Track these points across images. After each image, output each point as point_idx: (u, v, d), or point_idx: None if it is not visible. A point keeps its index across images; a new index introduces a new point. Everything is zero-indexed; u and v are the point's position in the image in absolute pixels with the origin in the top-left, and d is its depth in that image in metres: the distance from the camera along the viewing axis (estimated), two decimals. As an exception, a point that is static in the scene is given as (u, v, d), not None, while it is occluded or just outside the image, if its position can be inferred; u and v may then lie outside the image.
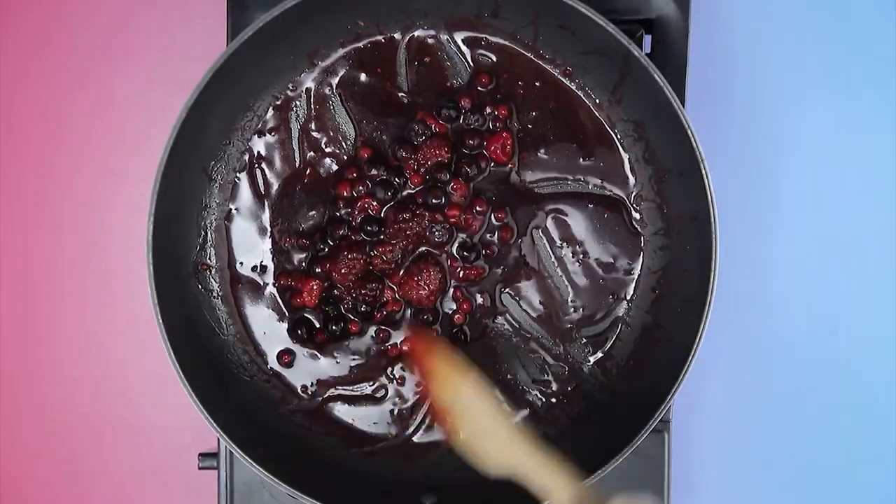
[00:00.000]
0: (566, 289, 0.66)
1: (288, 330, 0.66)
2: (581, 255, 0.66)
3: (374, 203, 0.65)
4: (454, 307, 0.66)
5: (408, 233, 0.64)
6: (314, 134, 0.66)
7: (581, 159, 0.65)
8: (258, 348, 0.66)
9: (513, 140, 0.65)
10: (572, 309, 0.66)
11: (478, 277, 0.66)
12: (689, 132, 0.57)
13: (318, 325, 0.66)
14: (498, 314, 0.66)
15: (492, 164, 0.65)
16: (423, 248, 0.66)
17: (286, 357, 0.66)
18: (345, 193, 0.65)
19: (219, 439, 0.64)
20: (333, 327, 0.65)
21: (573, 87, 0.65)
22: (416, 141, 0.65)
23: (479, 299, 0.66)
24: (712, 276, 0.58)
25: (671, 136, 0.59)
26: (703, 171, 0.58)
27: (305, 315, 0.66)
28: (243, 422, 0.63)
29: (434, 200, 0.64)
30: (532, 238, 0.66)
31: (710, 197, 0.58)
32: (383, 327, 0.66)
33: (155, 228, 0.58)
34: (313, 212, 0.66)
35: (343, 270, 0.64)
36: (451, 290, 0.66)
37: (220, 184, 0.65)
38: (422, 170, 0.65)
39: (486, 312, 0.66)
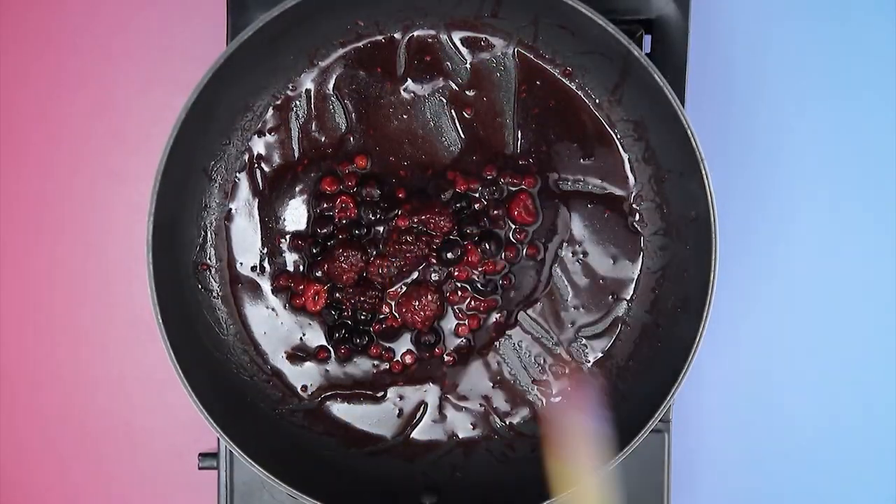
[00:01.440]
0: (566, 289, 0.66)
1: (327, 331, 0.66)
2: (581, 255, 0.66)
3: (352, 205, 0.64)
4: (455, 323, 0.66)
5: (407, 255, 0.64)
6: (314, 134, 0.66)
7: (581, 159, 0.65)
8: (258, 348, 0.66)
9: (532, 198, 0.65)
10: (572, 309, 0.66)
11: (487, 309, 0.66)
12: (689, 132, 0.57)
13: (339, 337, 0.65)
14: (508, 327, 0.66)
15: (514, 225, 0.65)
16: (421, 274, 0.65)
17: (322, 353, 0.66)
18: (328, 190, 0.65)
19: (219, 439, 0.64)
20: (357, 340, 0.65)
21: (573, 87, 0.65)
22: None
23: (496, 315, 0.66)
24: (712, 276, 0.58)
25: (671, 136, 0.59)
26: (703, 171, 0.58)
27: (346, 321, 0.66)
28: (243, 422, 0.63)
29: (450, 255, 0.64)
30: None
31: (710, 197, 0.58)
32: (383, 343, 0.66)
33: (155, 228, 0.58)
34: (297, 202, 0.65)
35: (341, 270, 0.64)
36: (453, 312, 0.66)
37: (220, 184, 0.65)
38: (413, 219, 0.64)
39: (498, 328, 0.66)
